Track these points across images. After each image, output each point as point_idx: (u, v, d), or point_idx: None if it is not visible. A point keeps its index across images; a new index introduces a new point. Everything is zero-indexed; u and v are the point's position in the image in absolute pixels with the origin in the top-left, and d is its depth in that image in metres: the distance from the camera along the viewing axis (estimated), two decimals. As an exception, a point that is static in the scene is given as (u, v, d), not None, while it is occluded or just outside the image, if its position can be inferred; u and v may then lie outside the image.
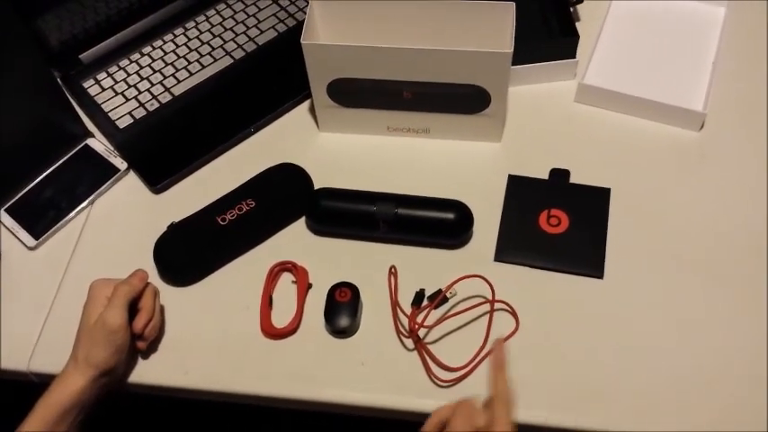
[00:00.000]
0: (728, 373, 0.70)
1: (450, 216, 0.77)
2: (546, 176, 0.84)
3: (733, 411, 0.68)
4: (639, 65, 0.91)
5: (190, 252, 0.79)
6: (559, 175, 0.83)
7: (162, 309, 0.76)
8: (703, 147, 0.85)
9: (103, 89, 0.96)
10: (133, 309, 0.71)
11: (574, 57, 0.90)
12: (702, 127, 0.87)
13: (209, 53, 0.99)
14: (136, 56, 0.98)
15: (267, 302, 0.76)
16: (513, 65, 0.79)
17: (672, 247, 0.78)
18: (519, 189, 0.83)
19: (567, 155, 0.85)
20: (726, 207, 0.81)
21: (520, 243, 0.78)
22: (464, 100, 0.83)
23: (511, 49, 0.77)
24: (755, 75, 0.91)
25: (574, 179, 0.83)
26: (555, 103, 0.90)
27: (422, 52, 0.78)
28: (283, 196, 0.83)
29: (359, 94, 0.84)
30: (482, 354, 0.72)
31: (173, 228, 0.80)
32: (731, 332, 0.72)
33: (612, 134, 0.87)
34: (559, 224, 0.80)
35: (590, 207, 0.81)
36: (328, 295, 0.75)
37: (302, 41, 0.79)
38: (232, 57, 0.98)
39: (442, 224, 0.77)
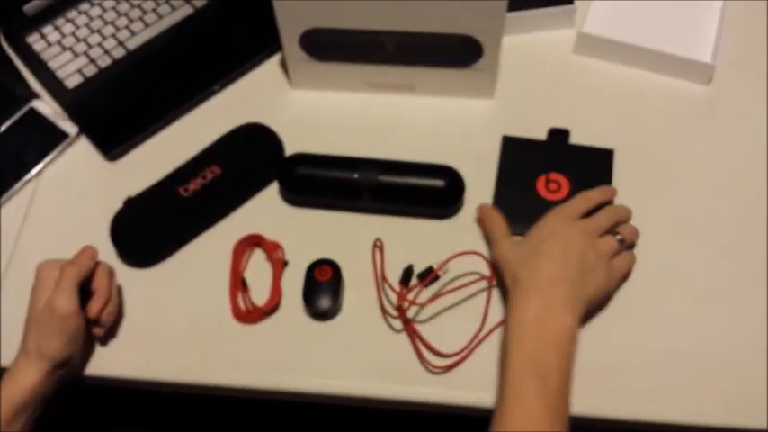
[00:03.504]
0: (743, 350, 0.64)
1: (440, 183, 0.70)
2: (543, 137, 0.76)
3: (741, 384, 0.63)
4: (643, 12, 0.83)
5: (150, 229, 0.71)
6: (558, 135, 0.76)
7: (120, 290, 0.68)
8: (712, 101, 0.78)
9: (50, 44, 0.86)
10: (87, 292, 0.64)
11: (572, 2, 0.82)
12: (711, 80, 0.79)
13: (167, 1, 0.89)
14: (85, 6, 0.89)
15: (237, 283, 0.69)
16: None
17: (680, 211, 0.72)
18: (514, 152, 0.75)
19: (566, 112, 0.78)
20: (737, 167, 0.74)
21: (516, 212, 0.71)
22: (454, 52, 0.74)
23: (506, -6, 0.68)
24: (766, 22, 0.83)
25: (574, 139, 0.76)
26: (552, 54, 0.82)
27: (407, -2, 0.69)
28: (252, 161, 0.75)
29: (335, 45, 0.75)
30: (479, 336, 0.65)
31: (130, 203, 0.71)
32: (745, 303, 0.66)
33: (614, 89, 0.80)
34: (559, 189, 0.72)
35: (592, 170, 0.74)
36: (307, 274, 0.67)
37: (270, -13, 0.70)
38: (192, 5, 0.89)
39: (430, 192, 0.70)
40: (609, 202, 0.70)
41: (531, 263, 0.62)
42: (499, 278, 0.66)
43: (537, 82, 0.81)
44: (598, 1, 0.84)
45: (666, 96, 0.79)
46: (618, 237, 0.65)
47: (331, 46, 0.76)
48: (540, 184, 0.73)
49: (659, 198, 0.72)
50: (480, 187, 0.73)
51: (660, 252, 0.69)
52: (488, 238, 0.69)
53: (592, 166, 0.74)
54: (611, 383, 0.63)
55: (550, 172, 0.74)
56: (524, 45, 0.83)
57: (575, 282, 0.60)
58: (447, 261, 0.67)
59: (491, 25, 0.71)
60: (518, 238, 0.67)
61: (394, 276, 0.69)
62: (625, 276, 0.67)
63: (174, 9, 0.89)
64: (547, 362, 0.57)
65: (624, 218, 0.68)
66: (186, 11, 0.88)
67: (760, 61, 0.81)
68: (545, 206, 0.70)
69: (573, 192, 0.72)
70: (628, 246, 0.67)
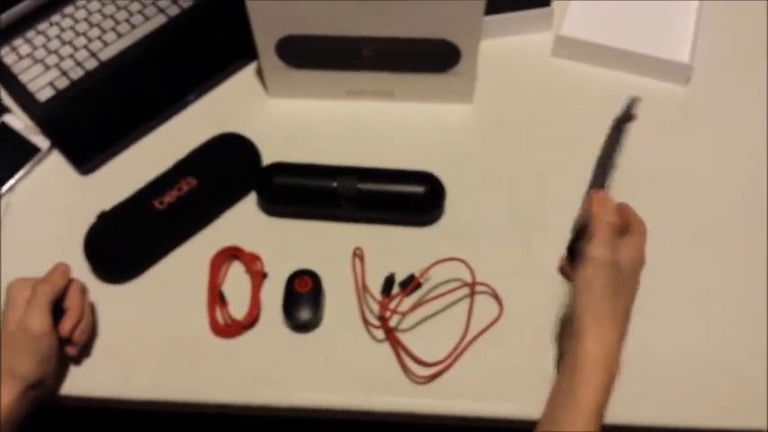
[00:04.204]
0: (734, 352, 0.64)
1: (420, 190, 0.69)
2: (524, 141, 0.75)
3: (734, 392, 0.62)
4: (620, 14, 0.83)
5: (125, 243, 0.69)
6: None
7: (93, 308, 0.66)
8: (691, 102, 0.78)
9: (21, 57, 0.84)
10: (59, 310, 0.62)
11: (548, 5, 0.82)
12: (689, 81, 0.79)
13: (140, 11, 0.88)
14: (57, 17, 0.87)
15: (215, 297, 0.67)
16: (483, 15, 0.70)
17: (665, 213, 0.71)
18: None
19: (546, 115, 0.77)
20: (717, 167, 0.74)
21: None
22: (431, 57, 0.74)
23: (483, -2, 0.68)
24: (743, 21, 0.83)
25: (552, 142, 0.75)
26: (530, 58, 0.82)
27: (382, 3, 0.68)
28: (228, 171, 0.73)
29: (312, 52, 0.74)
30: (463, 344, 0.64)
31: (103, 217, 0.69)
32: (735, 307, 0.66)
33: (594, 91, 0.79)
34: None
35: None
36: (286, 285, 0.66)
37: (244, -6, 0.69)
38: (166, 14, 0.88)
39: (411, 199, 0.69)
40: None
41: (615, 299, 0.57)
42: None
43: (516, 86, 0.80)
44: (576, 2, 0.84)
45: (645, 97, 0.78)
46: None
47: (307, 53, 0.75)
48: None
49: (644, 200, 0.71)
50: (461, 192, 0.72)
51: (648, 254, 0.68)
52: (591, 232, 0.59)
53: None
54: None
55: None
56: (502, 49, 0.82)
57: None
58: (428, 268, 0.65)
59: (468, 29, 0.70)
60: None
61: (375, 285, 0.67)
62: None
63: (147, 18, 0.87)
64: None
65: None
66: (160, 20, 0.87)
67: (737, 60, 0.81)
68: None
69: None
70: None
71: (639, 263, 0.61)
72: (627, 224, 0.61)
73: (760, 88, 0.79)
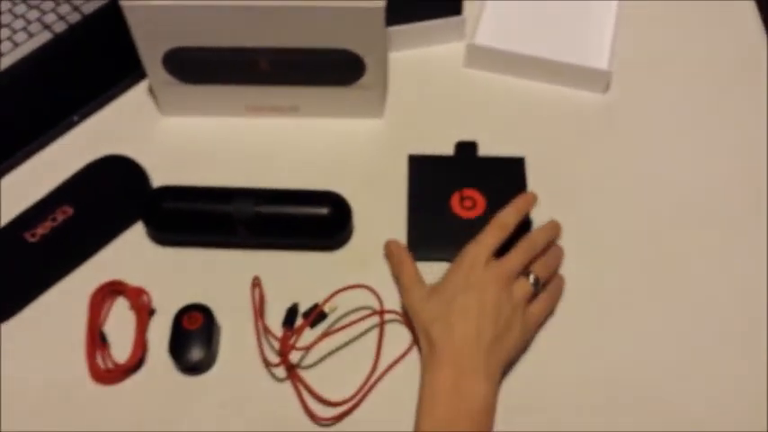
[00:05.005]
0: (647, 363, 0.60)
1: (324, 211, 0.63)
2: (437, 154, 0.71)
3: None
4: (535, 21, 0.80)
5: (-10, 282, 0.61)
6: (467, 148, 0.71)
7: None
8: (611, 109, 0.75)
9: None
10: None
11: (460, 13, 0.78)
12: (608, 88, 0.76)
13: (24, 28, 0.81)
14: (-71, 36, 0.79)
15: (94, 338, 0.59)
16: (388, 25, 0.66)
17: (598, 222, 0.67)
18: (423, 171, 0.69)
19: (459, 129, 0.72)
20: (640, 171, 0.70)
21: (433, 236, 0.65)
22: (334, 68, 0.68)
23: (383, 3, 0.63)
24: (659, 25, 0.81)
25: (481, 152, 0.71)
26: (442, 69, 0.77)
27: (276, 10, 0.63)
28: (110, 198, 0.66)
29: (203, 66, 0.68)
30: (372, 380, 0.58)
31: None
32: (657, 318, 0.62)
33: (510, 102, 0.75)
34: (475, 206, 0.67)
35: (506, 181, 0.69)
36: (174, 323, 0.59)
37: (121, 2, 0.62)
38: (52, 31, 0.80)
39: (313, 221, 0.63)
40: (526, 225, 0.64)
41: (444, 322, 0.55)
42: (409, 325, 0.60)
43: (427, 99, 0.75)
44: (489, 11, 0.80)
45: (564, 107, 0.75)
46: (531, 278, 0.59)
47: (198, 67, 0.68)
48: (455, 203, 0.67)
49: (573, 208, 0.68)
50: (372, 213, 0.67)
51: (582, 268, 0.64)
52: (397, 283, 0.62)
53: (505, 177, 0.69)
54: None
55: (464, 188, 0.68)
56: (413, 60, 0.78)
57: (491, 345, 0.55)
58: (331, 297, 0.60)
59: (370, 38, 0.66)
60: (429, 283, 0.60)
61: (278, 318, 0.61)
62: (542, 323, 0.61)
63: (31, 35, 0.80)
64: None
65: (539, 247, 0.61)
66: (45, 36, 0.80)
67: (655, 66, 0.78)
68: (463, 226, 0.65)
69: (489, 207, 0.66)
70: (543, 285, 0.60)
71: (539, 322, 0.59)
72: (550, 275, 0.59)
73: (681, 90, 0.76)
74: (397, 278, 0.62)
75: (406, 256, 0.62)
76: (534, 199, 0.63)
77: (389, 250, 0.64)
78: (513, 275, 0.58)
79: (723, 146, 0.72)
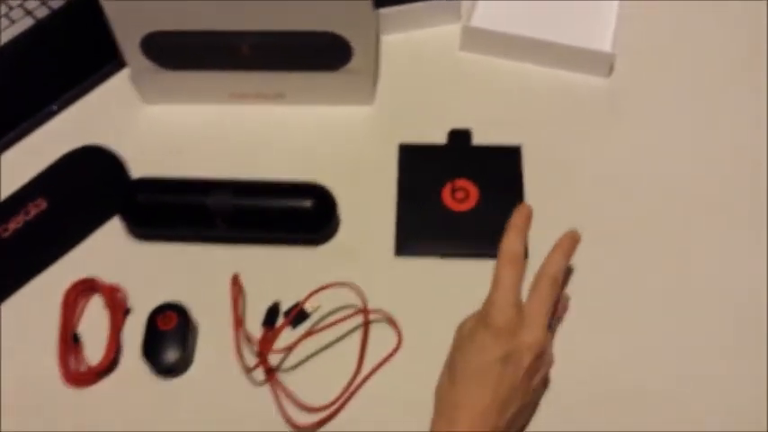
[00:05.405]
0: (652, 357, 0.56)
1: (307, 204, 0.60)
2: (429, 143, 0.67)
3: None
4: (534, 2, 0.75)
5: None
6: (460, 136, 0.67)
7: None
8: (614, 94, 0.71)
9: None
10: None
11: (456, -6, 0.74)
12: (612, 72, 0.72)
13: (6, 14, 0.78)
14: None
15: (67, 339, 0.57)
16: (381, 6, 0.62)
17: (598, 215, 0.63)
18: (414, 161, 0.66)
19: (454, 116, 0.69)
20: (644, 160, 0.67)
21: (422, 230, 0.62)
22: (320, 53, 0.65)
23: (370, -17, 0.59)
24: (667, 8, 0.76)
25: (475, 141, 0.68)
26: (436, 53, 0.74)
27: (256, -8, 0.59)
28: (85, 191, 0.64)
29: (184, 50, 0.65)
30: (356, 382, 0.55)
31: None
32: (661, 312, 0.58)
33: (508, 87, 0.71)
34: (467, 197, 0.64)
35: (500, 171, 0.65)
36: (147, 323, 0.56)
37: (93, -16, 0.59)
38: (33, 16, 0.78)
39: (296, 214, 0.60)
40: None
41: (471, 383, 0.48)
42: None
43: (420, 84, 0.72)
44: (486, -9, 0.76)
45: (565, 92, 0.71)
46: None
47: (178, 52, 0.65)
48: (446, 194, 0.64)
49: (573, 199, 0.64)
50: (361, 206, 0.64)
51: (581, 259, 0.60)
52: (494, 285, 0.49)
53: (499, 168, 0.65)
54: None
55: (456, 179, 0.65)
56: (405, 44, 0.74)
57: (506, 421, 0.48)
58: (311, 295, 0.57)
59: (357, 19, 0.62)
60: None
61: (258, 317, 0.58)
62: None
63: (12, 21, 0.78)
64: None
65: (562, 285, 0.51)
66: (26, 22, 0.78)
67: (661, 49, 0.74)
68: (454, 219, 0.62)
69: (482, 198, 0.63)
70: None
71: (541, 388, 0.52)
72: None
73: (689, 74, 0.72)
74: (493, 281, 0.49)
75: (519, 260, 0.49)
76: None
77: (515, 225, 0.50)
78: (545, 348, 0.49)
79: (733, 135, 0.68)
